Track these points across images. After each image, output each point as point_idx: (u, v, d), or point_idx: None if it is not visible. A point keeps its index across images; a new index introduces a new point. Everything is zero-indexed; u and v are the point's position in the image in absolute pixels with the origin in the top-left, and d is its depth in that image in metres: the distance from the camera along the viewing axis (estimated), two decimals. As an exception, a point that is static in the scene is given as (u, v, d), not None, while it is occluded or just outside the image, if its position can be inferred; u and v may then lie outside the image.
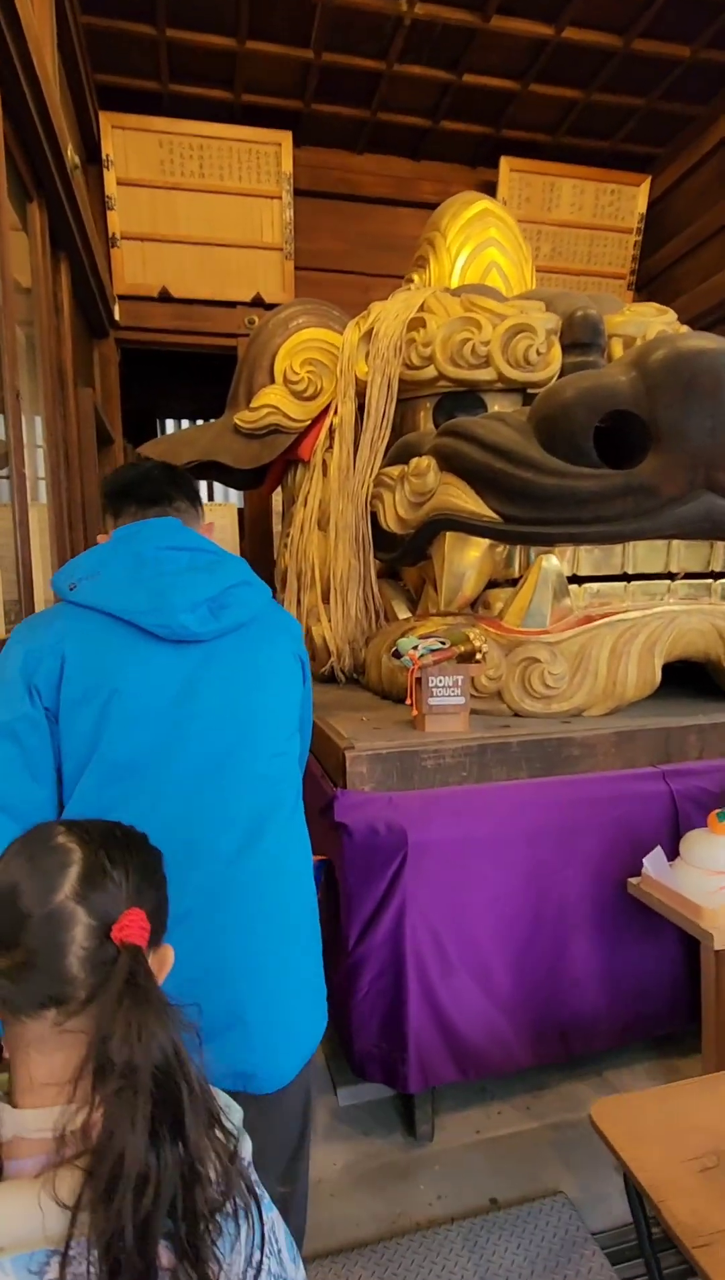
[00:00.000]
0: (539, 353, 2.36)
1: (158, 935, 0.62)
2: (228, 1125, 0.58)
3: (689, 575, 2.11)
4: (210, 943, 0.93)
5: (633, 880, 1.61)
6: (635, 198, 4.87)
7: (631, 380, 1.89)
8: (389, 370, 2.53)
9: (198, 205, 4.21)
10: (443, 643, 1.80)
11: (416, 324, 2.49)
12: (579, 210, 4.83)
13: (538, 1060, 1.69)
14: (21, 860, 0.59)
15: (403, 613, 2.63)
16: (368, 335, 2.68)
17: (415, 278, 3.15)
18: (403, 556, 2.38)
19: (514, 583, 2.15)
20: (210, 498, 5.70)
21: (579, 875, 1.70)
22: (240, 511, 5.21)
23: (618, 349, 2.55)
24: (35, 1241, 0.49)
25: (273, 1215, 0.62)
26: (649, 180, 4.84)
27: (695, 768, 1.83)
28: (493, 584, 2.20)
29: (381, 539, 2.47)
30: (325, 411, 3.04)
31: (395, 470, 2.33)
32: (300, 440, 3.09)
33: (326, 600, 2.79)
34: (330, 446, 2.96)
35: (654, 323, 2.55)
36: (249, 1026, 0.94)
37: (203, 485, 6.15)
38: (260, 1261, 0.56)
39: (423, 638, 1.86)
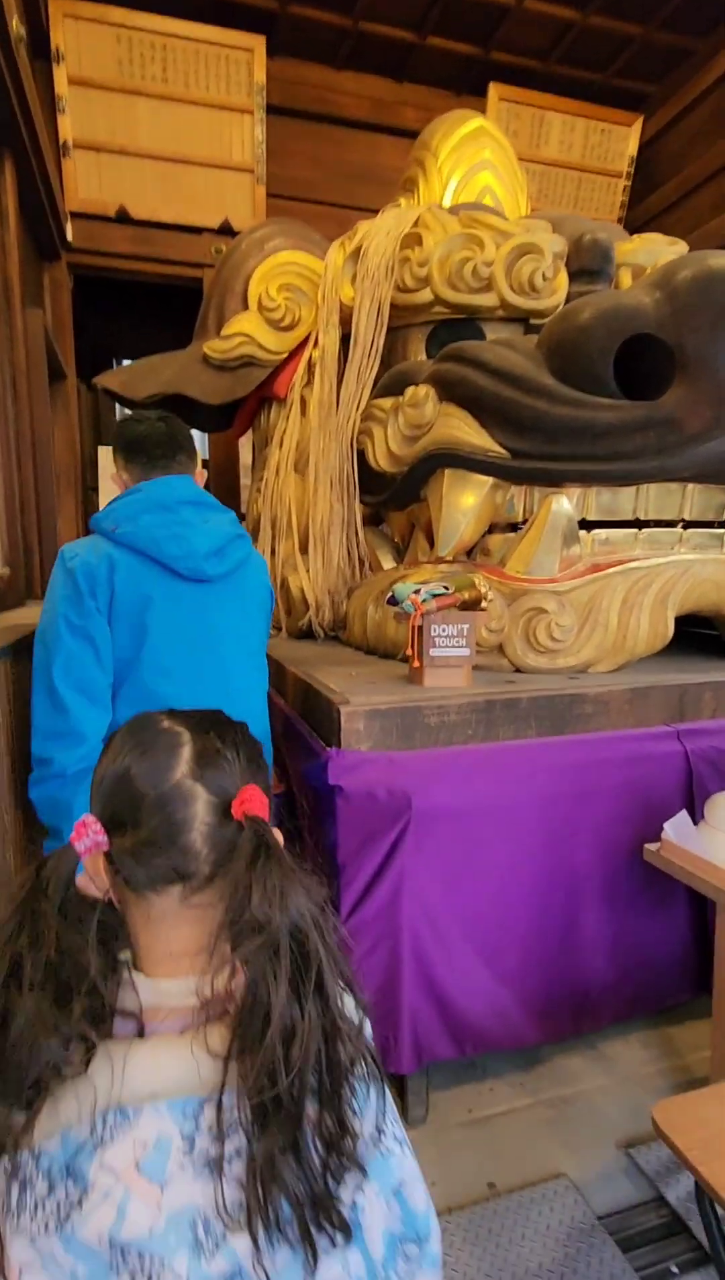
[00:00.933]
0: (545, 277, 2.15)
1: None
2: (355, 999, 0.60)
3: (699, 524, 1.97)
4: None
5: (650, 846, 1.48)
6: (626, 139, 4.64)
7: (656, 302, 1.71)
8: (379, 293, 2.29)
9: (161, 115, 3.81)
10: (446, 588, 1.62)
11: (411, 241, 2.25)
12: (568, 149, 4.58)
13: (545, 1038, 1.57)
14: (130, 746, 0.59)
15: (388, 562, 2.44)
16: (355, 255, 2.43)
17: (402, 202, 2.88)
18: (393, 498, 2.18)
19: (515, 528, 1.98)
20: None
21: (591, 841, 1.57)
22: (204, 462, 4.89)
23: (626, 279, 2.36)
24: (189, 1089, 0.52)
25: (396, 1128, 0.63)
26: (640, 121, 4.61)
27: (710, 726, 1.71)
28: (491, 529, 2.02)
29: (368, 479, 2.26)
30: (303, 344, 2.78)
31: (387, 402, 2.11)
32: (276, 375, 2.83)
33: (304, 549, 2.58)
34: (309, 382, 2.72)
35: (666, 253, 2.37)
36: None
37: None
38: (382, 1125, 0.59)
39: (422, 584, 1.67)
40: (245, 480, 4.55)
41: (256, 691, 1.47)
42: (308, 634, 2.61)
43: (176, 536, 1.32)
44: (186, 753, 0.58)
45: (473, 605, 1.65)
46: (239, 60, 3.84)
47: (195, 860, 0.56)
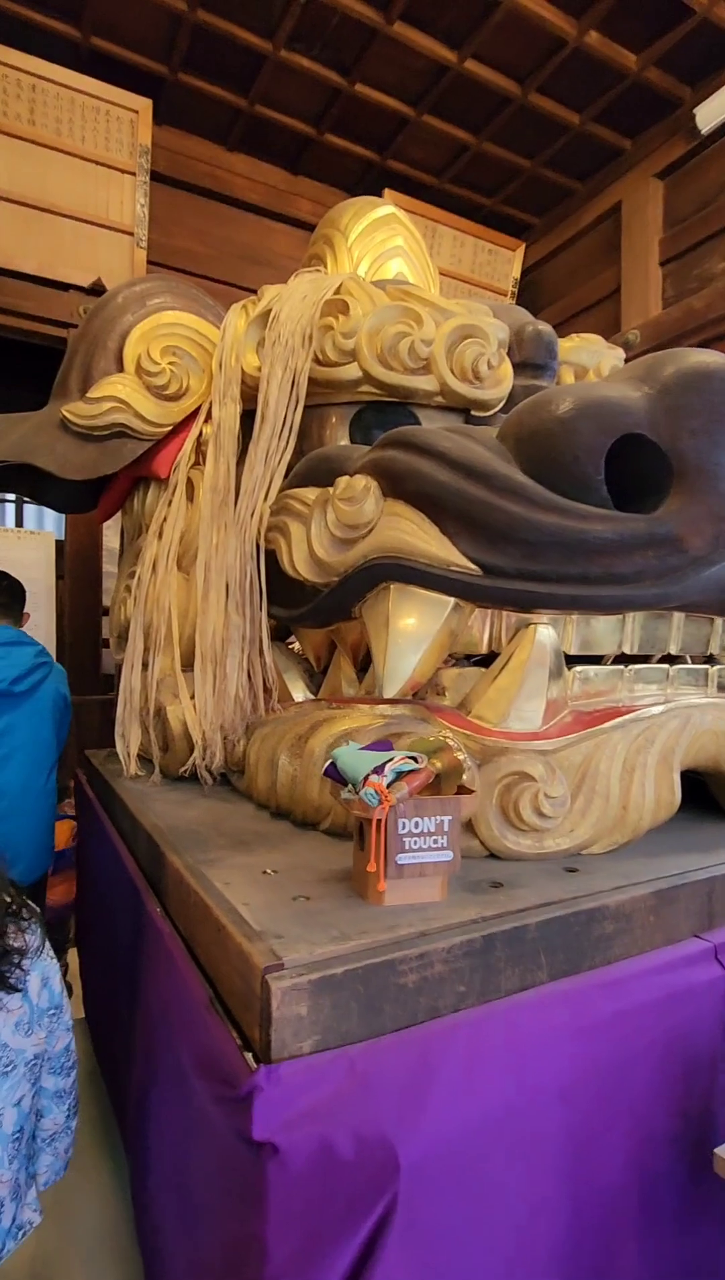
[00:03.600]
0: (490, 365, 1.85)
1: None
2: (21, 900, 1.19)
3: (679, 659, 1.65)
4: (13, 824, 2.21)
5: (721, 1153, 1.01)
6: (511, 261, 4.80)
7: (646, 397, 1.41)
8: (295, 363, 1.87)
9: (24, 157, 3.35)
10: (414, 759, 1.12)
11: (335, 308, 1.88)
12: (458, 263, 4.65)
13: None
14: None
15: (298, 690, 1.92)
16: (262, 320, 2.02)
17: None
18: (313, 614, 1.68)
19: (475, 660, 1.56)
20: (19, 522, 4.57)
21: (626, 1139, 1.06)
22: (59, 544, 4.18)
23: (568, 378, 2.13)
24: None
25: (49, 951, 1.19)
26: (523, 247, 4.81)
27: (742, 933, 1.30)
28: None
29: (279, 587, 1.77)
30: (192, 418, 2.30)
31: (310, 493, 1.65)
32: (155, 451, 2.31)
33: (188, 666, 2.01)
34: (198, 462, 2.22)
35: (607, 355, 2.18)
36: (26, 860, 2.27)
37: (10, 507, 4.86)
38: (40, 949, 1.15)
39: (377, 748, 1.16)
40: (110, 567, 3.90)
41: (41, 763, 2.33)
42: (193, 777, 2.00)
43: None
44: None
45: (449, 780, 1.16)
46: (121, 118, 3.50)
47: None
